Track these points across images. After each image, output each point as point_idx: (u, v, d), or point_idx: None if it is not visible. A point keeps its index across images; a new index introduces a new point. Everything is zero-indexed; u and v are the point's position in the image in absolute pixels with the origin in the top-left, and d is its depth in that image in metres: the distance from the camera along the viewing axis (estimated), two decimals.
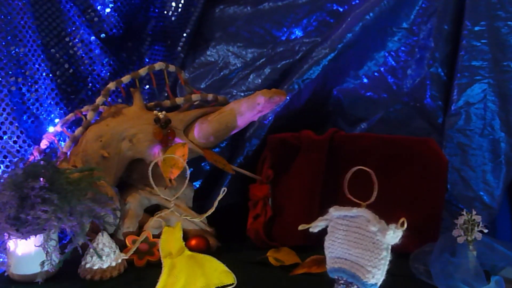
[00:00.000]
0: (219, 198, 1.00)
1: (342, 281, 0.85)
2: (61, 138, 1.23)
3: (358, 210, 0.84)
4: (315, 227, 0.87)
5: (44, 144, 1.19)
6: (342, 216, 0.86)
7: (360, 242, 0.82)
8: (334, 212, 0.86)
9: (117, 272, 0.99)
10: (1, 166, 1.15)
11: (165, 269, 0.89)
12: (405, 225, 0.77)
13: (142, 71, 1.20)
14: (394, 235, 0.77)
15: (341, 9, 1.34)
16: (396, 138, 1.17)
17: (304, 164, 1.17)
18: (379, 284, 0.82)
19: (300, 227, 0.87)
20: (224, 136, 1.17)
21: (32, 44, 1.23)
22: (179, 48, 1.44)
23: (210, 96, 1.23)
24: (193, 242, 1.09)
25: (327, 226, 0.88)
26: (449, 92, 1.26)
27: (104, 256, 0.98)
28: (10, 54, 1.20)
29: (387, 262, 0.80)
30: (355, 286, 0.83)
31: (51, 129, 1.22)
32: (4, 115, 1.16)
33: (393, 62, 1.33)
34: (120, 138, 1.14)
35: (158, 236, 1.11)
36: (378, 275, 0.80)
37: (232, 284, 0.92)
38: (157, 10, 1.46)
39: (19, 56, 1.22)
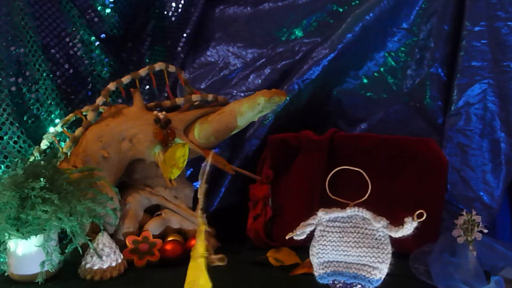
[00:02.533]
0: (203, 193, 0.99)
1: (340, 284, 0.84)
2: (62, 139, 1.23)
3: (352, 210, 0.83)
4: (301, 233, 0.84)
5: (44, 144, 1.19)
6: (334, 218, 0.85)
7: (361, 241, 0.82)
8: (324, 215, 0.84)
9: (117, 272, 0.99)
10: (2, 166, 1.15)
11: (202, 268, 0.88)
12: (424, 217, 0.77)
13: (142, 71, 1.20)
14: (411, 226, 0.78)
15: (341, 10, 1.35)
16: (396, 138, 1.17)
17: (304, 164, 1.17)
18: (383, 278, 0.82)
19: (288, 236, 0.84)
20: (224, 137, 1.17)
21: (32, 45, 1.23)
22: (179, 48, 1.44)
23: (210, 97, 1.23)
24: (193, 242, 1.09)
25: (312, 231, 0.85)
26: (449, 92, 1.26)
27: (104, 256, 0.98)
28: (11, 55, 1.20)
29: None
30: (358, 286, 0.83)
31: (51, 129, 1.22)
32: (4, 116, 1.16)
33: (393, 63, 1.33)
34: (120, 139, 1.14)
35: (158, 236, 1.11)
36: (385, 269, 0.81)
37: None
38: (157, 10, 1.46)
39: (19, 57, 1.22)
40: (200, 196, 0.88)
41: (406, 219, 0.78)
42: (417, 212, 0.77)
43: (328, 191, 0.85)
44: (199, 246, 0.87)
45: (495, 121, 1.23)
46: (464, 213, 0.94)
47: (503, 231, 1.29)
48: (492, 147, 1.24)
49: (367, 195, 0.83)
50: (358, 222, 0.83)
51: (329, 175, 0.85)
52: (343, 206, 0.84)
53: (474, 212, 0.94)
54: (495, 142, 1.23)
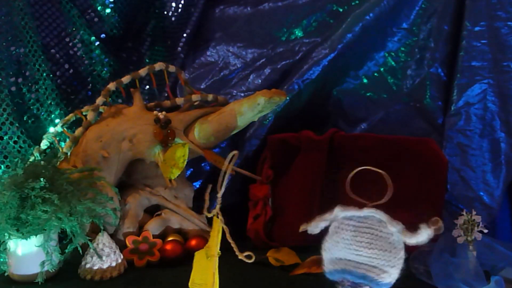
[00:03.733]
0: (207, 191, 0.99)
1: (348, 283, 0.83)
2: (62, 139, 1.23)
3: (369, 210, 0.82)
4: (315, 227, 0.84)
5: (44, 144, 1.19)
6: (350, 217, 0.84)
7: (374, 242, 0.81)
8: (340, 212, 0.84)
9: (117, 272, 0.99)
10: (2, 166, 1.15)
11: (215, 266, 0.88)
12: (439, 224, 0.76)
13: (142, 72, 1.20)
14: (426, 234, 0.77)
15: (341, 10, 1.35)
16: (396, 138, 1.17)
17: (304, 164, 1.17)
18: (392, 283, 0.81)
19: (301, 228, 0.85)
20: (224, 137, 1.17)
21: (32, 45, 1.23)
22: (179, 48, 1.44)
23: (210, 97, 1.23)
24: (193, 242, 1.10)
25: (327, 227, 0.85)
26: (449, 92, 1.26)
27: (104, 256, 0.98)
28: (11, 55, 1.20)
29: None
30: (367, 287, 0.82)
31: (51, 129, 1.22)
32: (4, 116, 1.16)
33: (393, 63, 1.33)
34: (120, 138, 1.14)
35: (158, 236, 1.11)
36: (395, 274, 0.80)
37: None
38: (157, 10, 1.46)
39: (19, 57, 1.22)
40: (219, 196, 0.89)
41: (421, 226, 0.77)
42: (433, 219, 0.77)
43: (348, 189, 0.84)
44: (213, 245, 0.87)
45: (495, 121, 1.23)
46: (464, 213, 0.94)
47: (503, 231, 1.29)
48: (492, 147, 1.24)
49: (387, 197, 0.82)
50: (373, 224, 0.81)
51: (351, 174, 0.84)
52: (360, 206, 0.84)
53: (474, 212, 0.94)
54: (495, 142, 1.23)
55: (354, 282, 0.82)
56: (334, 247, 0.83)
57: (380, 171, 0.83)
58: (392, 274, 0.80)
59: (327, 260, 0.85)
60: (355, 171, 0.85)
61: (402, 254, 0.81)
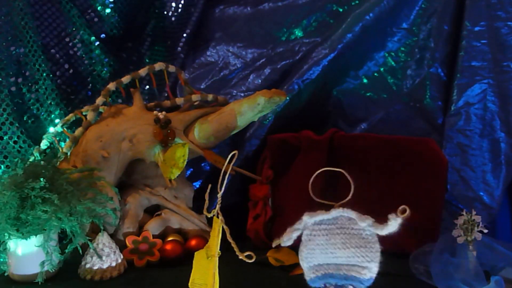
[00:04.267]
0: (207, 191, 1.00)
1: (332, 287, 0.84)
2: (61, 139, 1.23)
3: (336, 211, 0.83)
4: (288, 239, 0.84)
5: (44, 144, 1.19)
6: (320, 221, 0.85)
7: (348, 242, 0.82)
8: (309, 219, 0.84)
9: (117, 272, 0.99)
10: (2, 166, 1.15)
11: (215, 266, 0.88)
12: (407, 213, 0.76)
13: (142, 71, 1.20)
14: (395, 223, 0.77)
15: (341, 10, 1.35)
16: (396, 138, 1.17)
17: (304, 164, 1.17)
18: (374, 277, 0.82)
19: (274, 243, 0.85)
20: (224, 137, 1.17)
21: (32, 45, 1.23)
22: (179, 48, 1.44)
23: (210, 97, 1.23)
24: (193, 242, 1.10)
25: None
26: (449, 92, 1.26)
27: (104, 256, 0.98)
28: (11, 55, 1.20)
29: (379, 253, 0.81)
30: (350, 287, 0.83)
31: (51, 129, 1.22)
32: (4, 116, 1.16)
33: (393, 63, 1.33)
34: (120, 139, 1.14)
35: (158, 236, 1.11)
36: (374, 268, 0.81)
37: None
38: (157, 10, 1.46)
39: (19, 57, 1.22)
40: (219, 196, 0.90)
41: (390, 216, 0.78)
42: (400, 208, 0.77)
43: (311, 193, 0.85)
44: (214, 245, 0.87)
45: (495, 121, 1.23)
46: (464, 213, 0.94)
47: (503, 231, 1.29)
48: (492, 147, 1.24)
49: (350, 195, 0.82)
50: (344, 223, 0.82)
51: (312, 178, 0.86)
52: (328, 208, 0.84)
53: (474, 212, 0.94)
54: (495, 142, 1.23)
55: (337, 284, 0.83)
56: (311, 254, 0.84)
57: (339, 169, 0.83)
58: (372, 269, 0.81)
59: (306, 269, 0.85)
60: (315, 173, 0.86)
61: (377, 247, 0.81)
